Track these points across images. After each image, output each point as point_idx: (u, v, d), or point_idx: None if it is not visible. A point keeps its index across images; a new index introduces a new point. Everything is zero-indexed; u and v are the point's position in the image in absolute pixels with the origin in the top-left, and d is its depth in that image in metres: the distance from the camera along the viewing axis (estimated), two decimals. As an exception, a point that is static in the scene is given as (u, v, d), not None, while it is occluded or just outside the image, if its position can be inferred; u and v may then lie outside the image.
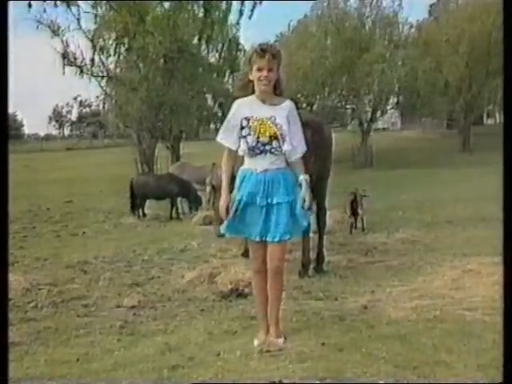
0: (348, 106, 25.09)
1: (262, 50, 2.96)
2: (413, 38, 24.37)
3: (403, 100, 24.72)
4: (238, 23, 18.69)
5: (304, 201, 3.02)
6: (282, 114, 3.03)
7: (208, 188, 9.36)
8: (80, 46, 17.56)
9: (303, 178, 3.06)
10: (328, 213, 5.72)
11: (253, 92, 3.08)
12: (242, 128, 3.04)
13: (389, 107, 25.36)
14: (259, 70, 2.96)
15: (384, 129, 37.74)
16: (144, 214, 10.28)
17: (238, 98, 3.20)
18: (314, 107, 23.97)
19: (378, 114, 24.82)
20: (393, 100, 24.87)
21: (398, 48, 22.95)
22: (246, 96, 3.12)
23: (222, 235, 3.25)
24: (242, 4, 18.24)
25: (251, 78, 3.04)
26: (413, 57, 22.17)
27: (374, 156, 22.94)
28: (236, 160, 3.22)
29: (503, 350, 2.21)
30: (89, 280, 5.13)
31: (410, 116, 33.66)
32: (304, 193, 3.03)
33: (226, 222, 3.13)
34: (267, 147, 3.02)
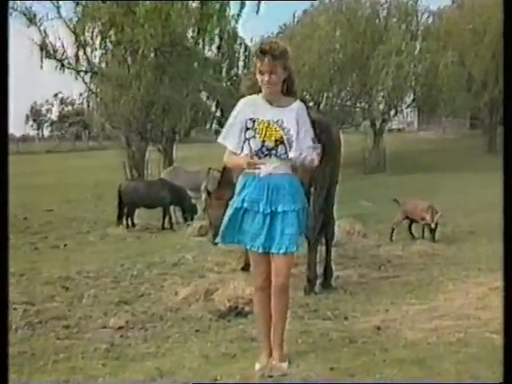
0: (359, 105, 25.14)
1: (262, 52, 2.99)
2: (433, 27, 24.32)
3: (421, 97, 24.66)
4: (239, 15, 18.84)
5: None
6: (290, 117, 3.06)
7: (204, 195, 9.36)
8: (60, 36, 17.40)
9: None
10: (336, 223, 5.73)
11: (261, 90, 3.12)
12: (247, 129, 3.07)
13: (404, 105, 25.36)
14: (261, 73, 3.01)
15: (399, 129, 37.82)
16: (133, 224, 10.28)
17: (242, 97, 3.24)
18: (322, 106, 24.03)
19: (393, 113, 24.87)
20: (409, 97, 24.84)
21: (416, 39, 22.97)
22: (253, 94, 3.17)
23: (216, 243, 3.27)
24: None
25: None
26: (433, 49, 22.15)
27: (388, 160, 22.95)
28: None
29: (503, 351, 2.25)
30: (71, 298, 5.11)
31: (429, 115, 33.68)
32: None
33: (221, 231, 3.15)
34: (272, 152, 3.05)
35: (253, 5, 18.67)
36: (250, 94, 3.22)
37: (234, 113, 3.17)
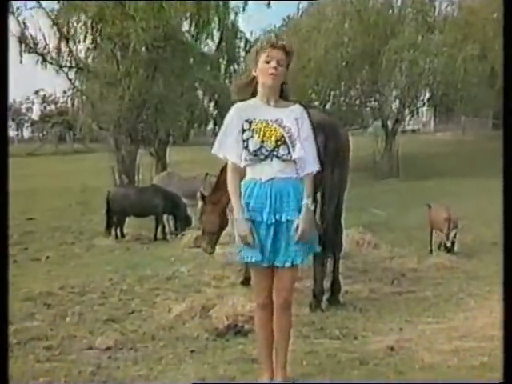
0: (369, 104, 25.18)
1: (273, 46, 3.05)
2: (452, 17, 24.27)
3: (438, 95, 24.62)
4: (244, 9, 18.95)
5: (298, 230, 3.01)
6: (291, 117, 3.08)
7: (200, 203, 9.36)
8: (42, 28, 17.32)
9: (305, 202, 3.06)
10: (345, 232, 5.73)
11: (254, 95, 3.14)
12: (244, 131, 3.06)
13: (419, 104, 25.37)
14: (267, 61, 3.02)
15: (414, 130, 37.85)
16: (123, 235, 10.28)
17: (235, 101, 3.24)
18: (328, 105, 24.07)
19: (406, 112, 24.87)
20: (425, 95, 24.83)
21: (432, 32, 22.96)
22: (245, 99, 3.18)
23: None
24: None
25: (255, 74, 3.10)
26: (451, 42, 22.13)
27: (401, 164, 22.95)
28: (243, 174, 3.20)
29: (503, 350, 2.29)
30: (53, 316, 5.10)
31: (446, 114, 33.66)
32: (301, 222, 3.01)
33: (248, 249, 3.07)
34: (273, 153, 3.04)
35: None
36: (241, 97, 3.20)
37: (227, 119, 3.16)
